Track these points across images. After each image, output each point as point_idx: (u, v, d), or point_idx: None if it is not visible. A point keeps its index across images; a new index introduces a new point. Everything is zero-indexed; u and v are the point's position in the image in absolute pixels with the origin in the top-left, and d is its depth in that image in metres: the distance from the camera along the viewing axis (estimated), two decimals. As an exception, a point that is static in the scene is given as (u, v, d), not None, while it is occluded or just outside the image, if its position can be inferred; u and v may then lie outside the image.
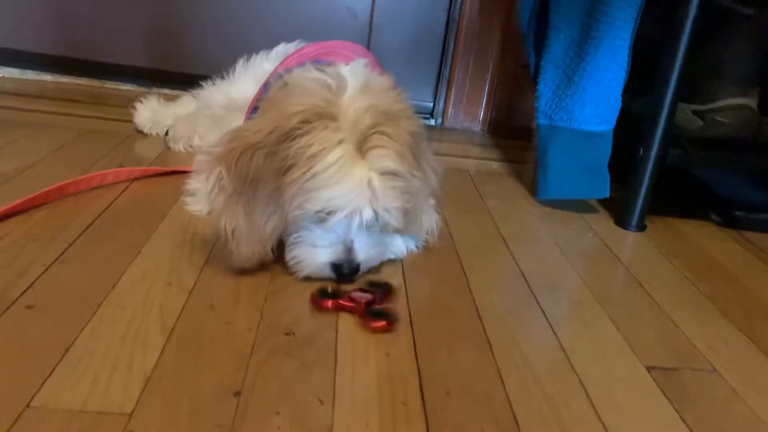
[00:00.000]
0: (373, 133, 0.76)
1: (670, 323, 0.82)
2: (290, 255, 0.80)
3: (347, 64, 0.86)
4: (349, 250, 0.78)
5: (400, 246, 0.90)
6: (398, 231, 0.85)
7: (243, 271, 0.80)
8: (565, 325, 0.78)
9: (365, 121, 0.76)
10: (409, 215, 0.83)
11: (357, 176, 0.74)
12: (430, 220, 0.90)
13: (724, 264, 1.04)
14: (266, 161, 0.76)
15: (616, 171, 1.15)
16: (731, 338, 0.81)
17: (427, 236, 0.91)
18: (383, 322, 0.72)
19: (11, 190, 0.97)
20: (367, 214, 0.76)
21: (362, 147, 0.75)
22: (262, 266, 0.81)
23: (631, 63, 1.10)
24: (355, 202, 0.75)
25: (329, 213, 0.75)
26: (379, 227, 0.81)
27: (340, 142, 0.74)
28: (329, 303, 0.75)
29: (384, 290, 0.79)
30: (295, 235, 0.80)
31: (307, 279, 0.80)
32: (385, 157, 0.75)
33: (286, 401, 0.58)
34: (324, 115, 0.75)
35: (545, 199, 1.21)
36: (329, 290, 0.77)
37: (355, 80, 0.80)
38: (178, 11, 1.71)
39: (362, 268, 0.80)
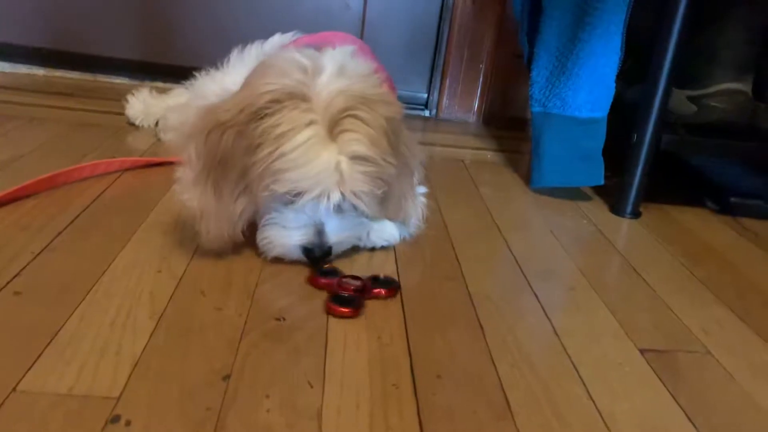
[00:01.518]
0: (345, 116, 0.74)
1: (665, 307, 0.82)
2: (261, 236, 0.79)
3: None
4: (319, 233, 0.77)
5: (393, 233, 0.89)
6: (375, 217, 0.84)
7: (219, 254, 0.80)
8: (558, 310, 0.78)
9: (338, 104, 0.74)
10: (388, 202, 0.82)
11: (325, 159, 0.72)
12: (416, 208, 0.89)
13: (719, 249, 1.04)
14: (236, 140, 0.74)
15: (611, 158, 1.15)
16: (725, 321, 0.80)
17: (418, 223, 0.91)
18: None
19: (1, 180, 0.96)
20: (335, 197, 0.75)
21: (333, 130, 0.73)
22: (234, 248, 0.81)
23: (624, 49, 1.09)
24: (322, 185, 0.73)
25: (296, 195, 0.74)
26: (352, 211, 0.80)
27: (310, 123, 0.73)
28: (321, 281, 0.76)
29: (392, 286, 0.77)
30: (267, 217, 0.79)
31: (277, 260, 0.80)
32: (356, 142, 0.74)
33: (276, 384, 0.57)
34: (295, 96, 0.74)
35: (540, 186, 1.20)
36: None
37: (332, 64, 0.79)
38: (171, 4, 1.70)
39: (334, 251, 0.79)
